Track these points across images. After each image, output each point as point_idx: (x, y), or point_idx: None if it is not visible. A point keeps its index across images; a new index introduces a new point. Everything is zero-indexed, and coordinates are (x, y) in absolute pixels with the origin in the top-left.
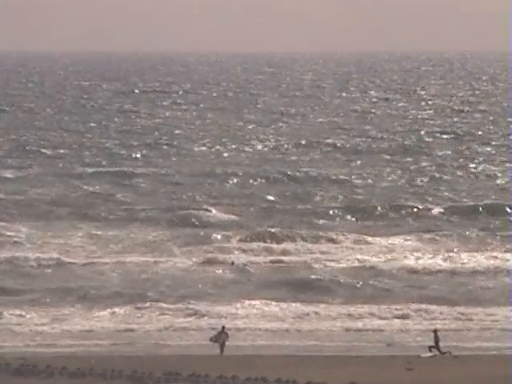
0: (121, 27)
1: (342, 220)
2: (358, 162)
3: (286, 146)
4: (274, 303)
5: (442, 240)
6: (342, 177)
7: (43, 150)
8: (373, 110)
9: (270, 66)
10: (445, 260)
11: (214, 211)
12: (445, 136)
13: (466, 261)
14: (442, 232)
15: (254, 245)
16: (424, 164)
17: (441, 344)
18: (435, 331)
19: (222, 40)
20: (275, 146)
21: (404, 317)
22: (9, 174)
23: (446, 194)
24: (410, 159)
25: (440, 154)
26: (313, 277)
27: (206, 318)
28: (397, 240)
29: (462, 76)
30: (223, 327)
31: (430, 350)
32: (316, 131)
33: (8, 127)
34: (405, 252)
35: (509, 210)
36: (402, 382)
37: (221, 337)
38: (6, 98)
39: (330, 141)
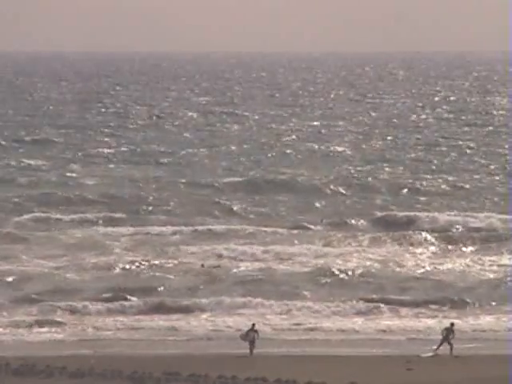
0: (120, 27)
1: (343, 227)
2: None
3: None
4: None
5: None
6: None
7: None
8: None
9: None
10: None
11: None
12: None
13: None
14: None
15: (246, 247)
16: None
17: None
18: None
19: (222, 40)
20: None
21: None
22: None
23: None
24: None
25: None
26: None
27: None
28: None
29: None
30: (253, 325)
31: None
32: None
33: None
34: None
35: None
36: (402, 382)
37: (249, 335)
38: None
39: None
